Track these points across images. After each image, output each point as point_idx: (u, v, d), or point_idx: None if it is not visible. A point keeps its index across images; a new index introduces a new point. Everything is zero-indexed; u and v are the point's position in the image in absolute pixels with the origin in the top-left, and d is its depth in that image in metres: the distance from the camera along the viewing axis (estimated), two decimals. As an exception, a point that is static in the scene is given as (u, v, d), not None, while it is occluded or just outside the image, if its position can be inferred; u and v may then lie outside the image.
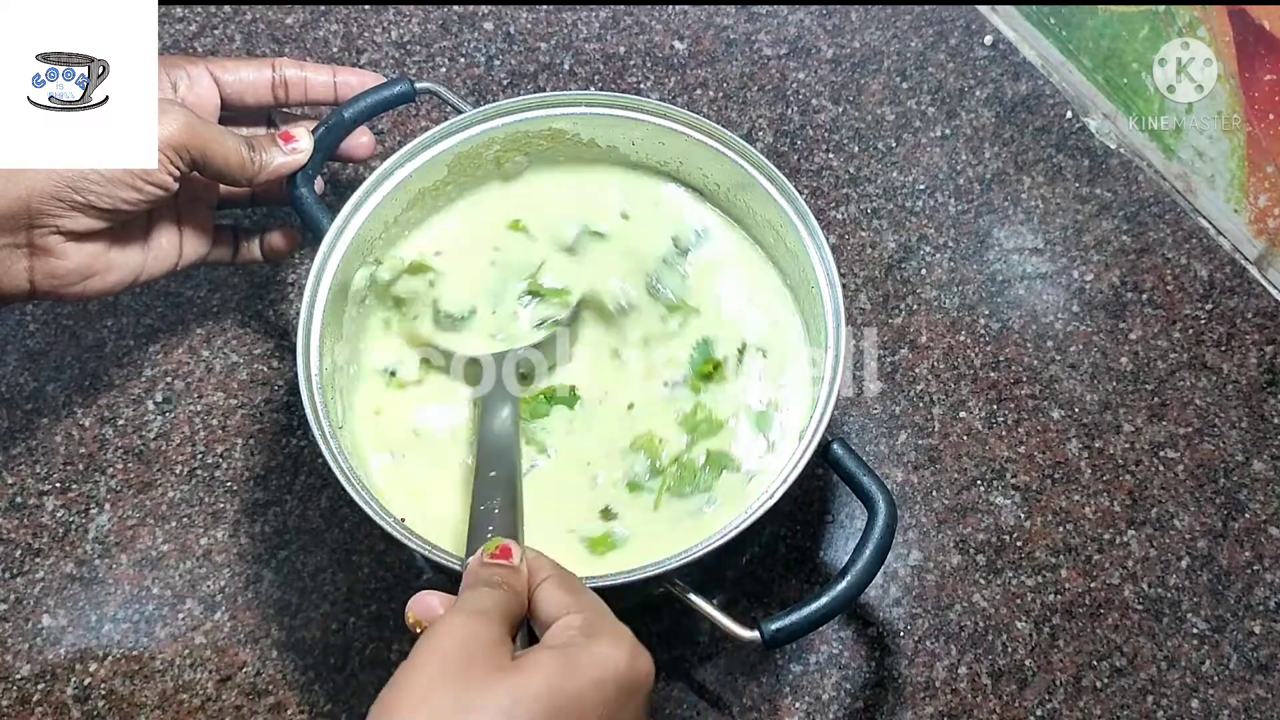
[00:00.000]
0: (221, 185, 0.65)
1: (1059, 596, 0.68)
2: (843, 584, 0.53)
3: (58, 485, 0.69)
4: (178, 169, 0.57)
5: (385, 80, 0.67)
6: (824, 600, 0.52)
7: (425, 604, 0.47)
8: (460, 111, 0.65)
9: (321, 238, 0.61)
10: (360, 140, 0.68)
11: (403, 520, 0.54)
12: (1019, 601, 0.68)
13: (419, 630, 0.46)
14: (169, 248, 0.63)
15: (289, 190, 0.63)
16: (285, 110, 0.69)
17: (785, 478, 0.54)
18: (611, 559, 0.59)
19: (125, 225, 0.59)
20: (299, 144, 0.62)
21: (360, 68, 0.82)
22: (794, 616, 0.52)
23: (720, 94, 0.82)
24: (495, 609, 0.45)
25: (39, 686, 0.64)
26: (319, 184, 0.67)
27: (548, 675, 0.42)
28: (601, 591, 0.49)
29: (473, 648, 0.42)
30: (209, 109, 0.64)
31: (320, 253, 0.60)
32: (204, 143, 0.58)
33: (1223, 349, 0.75)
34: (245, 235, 0.68)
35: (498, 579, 0.46)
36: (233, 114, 0.66)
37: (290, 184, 0.63)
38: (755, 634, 0.52)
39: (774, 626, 0.52)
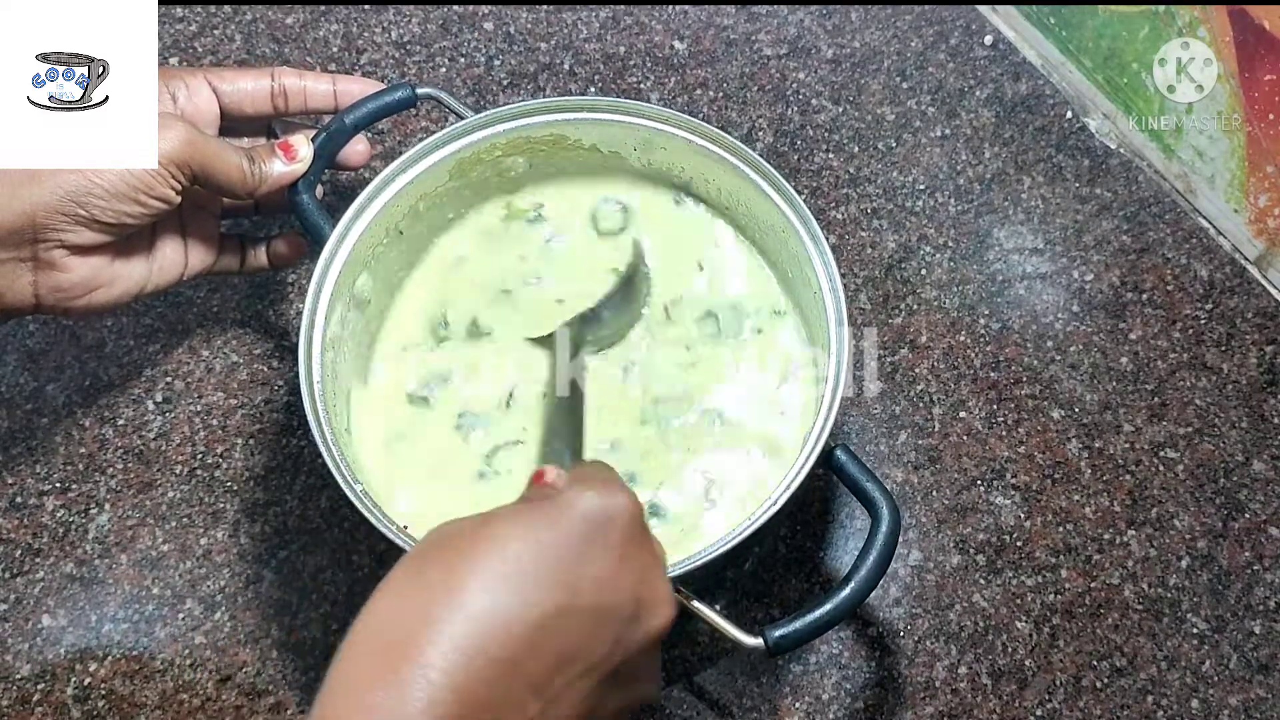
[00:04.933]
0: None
1: (1059, 596, 0.68)
2: (846, 590, 0.53)
3: (58, 485, 0.69)
4: (179, 183, 0.57)
5: (385, 87, 0.67)
6: (828, 607, 0.52)
7: None
8: (461, 117, 0.65)
9: (323, 244, 0.61)
10: (356, 149, 0.68)
11: (405, 529, 0.54)
12: (1019, 601, 0.68)
13: None
14: (174, 259, 0.63)
15: (290, 197, 0.63)
16: (285, 119, 0.68)
17: (788, 484, 0.54)
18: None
19: (130, 238, 0.59)
20: (299, 152, 0.62)
21: (360, 70, 0.82)
22: (798, 624, 0.52)
23: (720, 94, 0.82)
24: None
25: (39, 686, 0.64)
26: (320, 190, 0.67)
27: (506, 518, 0.43)
28: None
29: (458, 526, 0.44)
30: (208, 120, 0.64)
31: (322, 259, 0.60)
32: (204, 157, 0.58)
33: (1223, 349, 0.75)
34: (251, 243, 0.68)
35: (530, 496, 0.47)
36: (232, 124, 0.66)
37: (292, 190, 0.63)
38: (759, 640, 0.52)
39: (778, 634, 0.52)
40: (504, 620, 0.40)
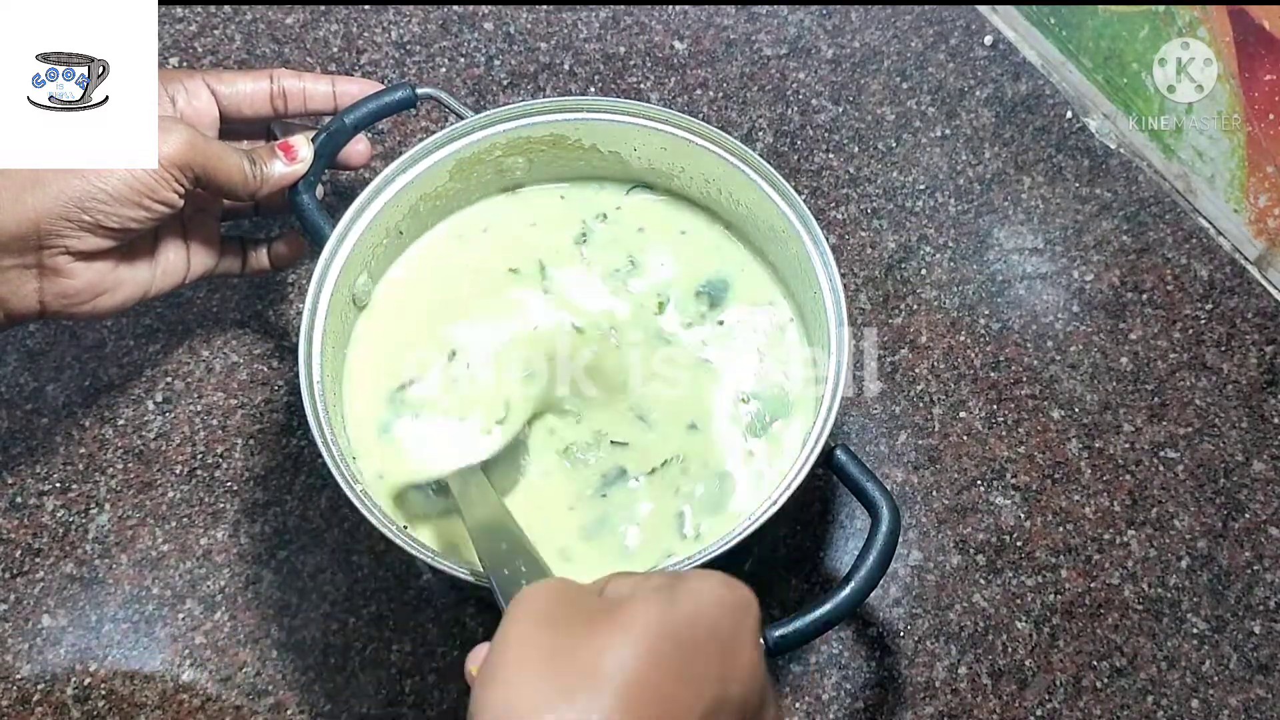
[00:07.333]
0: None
1: (1059, 596, 0.68)
2: (846, 591, 0.53)
3: (58, 485, 0.69)
4: (182, 186, 0.57)
5: (385, 87, 0.67)
6: (827, 607, 0.52)
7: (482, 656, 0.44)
8: (461, 117, 0.65)
9: (323, 244, 0.61)
10: (357, 149, 0.68)
11: (405, 528, 0.54)
12: (1019, 601, 0.68)
13: None
14: (177, 262, 0.63)
15: (290, 197, 0.63)
16: (284, 120, 0.68)
17: (789, 485, 0.54)
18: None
19: (133, 243, 0.59)
20: (299, 153, 0.62)
21: (360, 70, 0.82)
22: (798, 624, 0.52)
23: (720, 94, 0.82)
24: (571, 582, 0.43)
25: (39, 686, 0.64)
26: (320, 190, 0.67)
27: (651, 607, 0.40)
28: None
29: (567, 596, 0.41)
30: (208, 122, 0.64)
31: (322, 260, 0.60)
32: (206, 160, 0.58)
33: (1223, 349, 0.75)
34: (252, 245, 0.68)
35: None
36: (231, 125, 0.66)
37: (292, 191, 0.63)
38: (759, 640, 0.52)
39: (778, 634, 0.52)
40: (668, 710, 0.38)
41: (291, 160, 0.62)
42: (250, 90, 0.65)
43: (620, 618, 0.39)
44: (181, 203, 0.58)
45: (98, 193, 0.55)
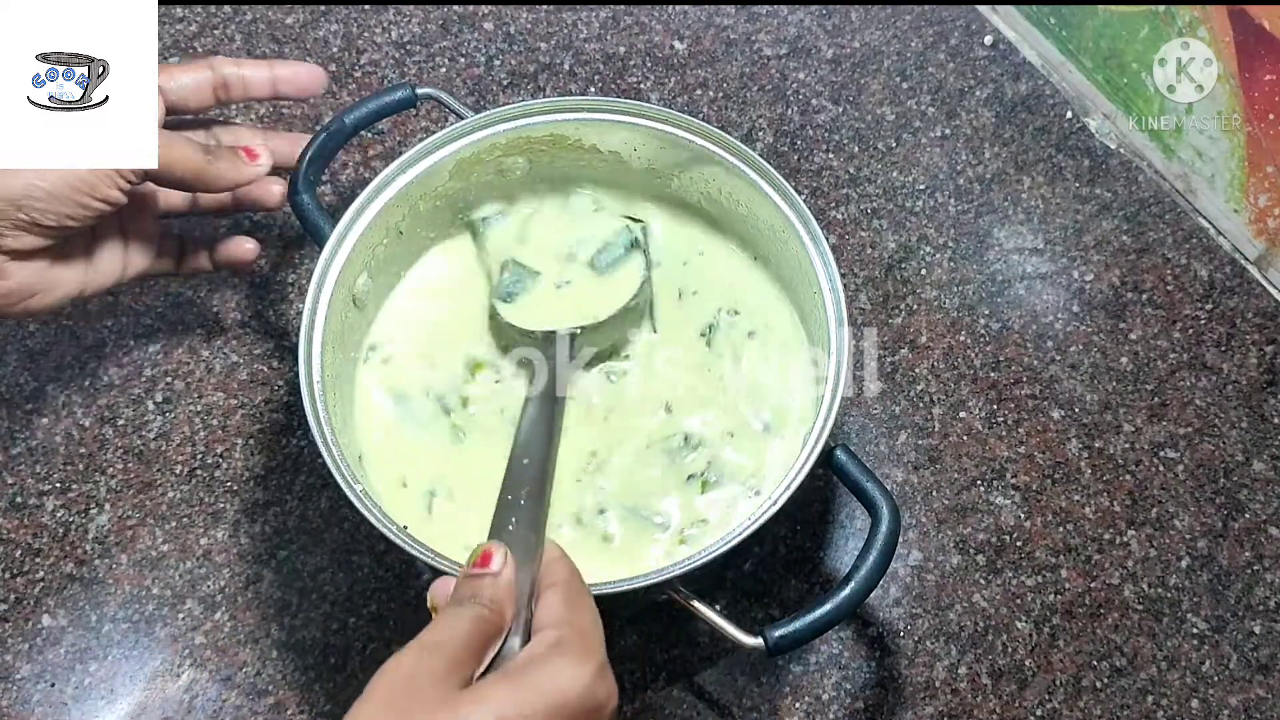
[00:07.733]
0: (161, 196, 0.64)
1: (1059, 596, 0.68)
2: (846, 591, 0.53)
3: (58, 485, 0.69)
4: (127, 183, 0.56)
5: (322, 71, 0.66)
6: (827, 607, 0.52)
7: (443, 590, 0.47)
8: (461, 117, 0.65)
9: (323, 244, 0.61)
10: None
11: (405, 528, 0.54)
12: (1019, 601, 0.68)
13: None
14: (113, 260, 0.62)
15: (290, 198, 0.63)
16: (270, 126, 0.67)
17: (789, 485, 0.54)
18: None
19: (68, 241, 0.58)
20: (260, 156, 0.61)
21: (360, 70, 0.82)
22: (798, 624, 0.52)
23: (720, 94, 0.82)
24: (456, 636, 0.44)
25: (39, 686, 0.64)
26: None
27: (494, 706, 0.41)
28: (602, 599, 0.48)
29: (418, 682, 0.42)
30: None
31: (322, 259, 0.60)
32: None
33: (1223, 349, 0.75)
34: (192, 245, 0.67)
35: (473, 594, 0.46)
36: (178, 119, 0.64)
37: (292, 190, 0.63)
38: (759, 641, 0.52)
39: (778, 634, 0.52)
40: None
41: (251, 159, 0.61)
42: (191, 82, 0.63)
43: (458, 714, 0.41)
44: (124, 200, 0.57)
45: (35, 190, 0.54)
